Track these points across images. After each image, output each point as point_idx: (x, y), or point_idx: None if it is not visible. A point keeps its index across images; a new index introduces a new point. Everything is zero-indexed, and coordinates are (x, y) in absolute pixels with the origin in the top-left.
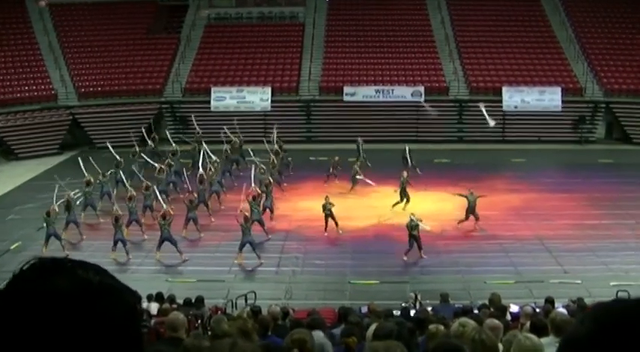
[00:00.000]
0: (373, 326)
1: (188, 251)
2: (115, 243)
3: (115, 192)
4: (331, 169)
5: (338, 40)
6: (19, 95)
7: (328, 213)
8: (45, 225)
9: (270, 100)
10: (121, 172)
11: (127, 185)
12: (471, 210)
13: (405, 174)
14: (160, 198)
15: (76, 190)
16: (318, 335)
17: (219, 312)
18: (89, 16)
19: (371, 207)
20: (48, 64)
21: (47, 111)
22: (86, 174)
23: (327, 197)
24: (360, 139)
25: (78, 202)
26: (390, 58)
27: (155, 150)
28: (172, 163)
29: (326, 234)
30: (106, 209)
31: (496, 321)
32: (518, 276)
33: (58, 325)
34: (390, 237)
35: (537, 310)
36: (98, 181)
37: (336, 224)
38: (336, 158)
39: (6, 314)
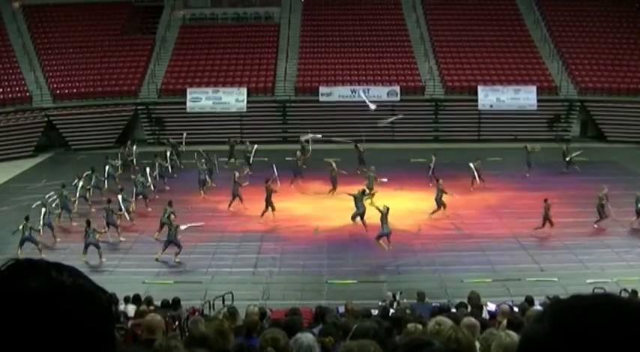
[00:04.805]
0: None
1: (166, 252)
2: (86, 247)
3: (91, 194)
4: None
5: (313, 41)
6: None
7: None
8: (21, 227)
9: (245, 101)
10: (97, 175)
11: (105, 187)
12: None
13: (605, 190)
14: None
15: (51, 193)
16: (308, 337)
17: (197, 313)
18: (63, 17)
19: (347, 207)
20: (22, 66)
21: (22, 114)
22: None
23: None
24: None
25: (54, 205)
26: (366, 57)
27: (130, 158)
28: (156, 166)
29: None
30: (81, 211)
31: (473, 319)
32: (495, 275)
33: (30, 325)
34: (367, 237)
35: (514, 308)
36: (74, 183)
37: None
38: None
39: None
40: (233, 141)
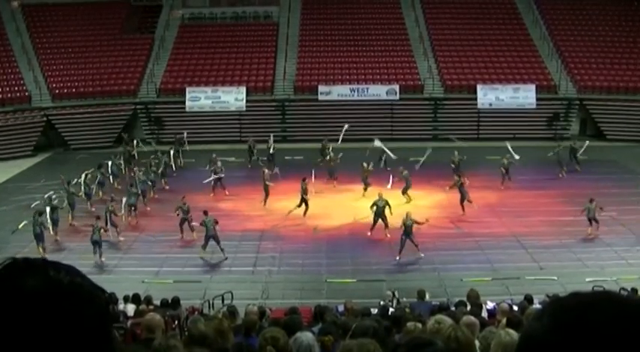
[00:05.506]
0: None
1: (165, 251)
2: (94, 245)
3: (100, 192)
4: None
5: (312, 39)
6: None
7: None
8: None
9: (245, 100)
10: (102, 171)
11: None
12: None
13: None
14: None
15: (51, 191)
16: (307, 336)
17: (196, 313)
18: (62, 16)
19: (347, 206)
20: (21, 65)
21: (21, 113)
22: (62, 177)
23: (380, 194)
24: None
25: (57, 201)
26: (365, 56)
27: (132, 152)
28: (157, 164)
29: (369, 234)
30: (82, 209)
31: (472, 318)
32: (494, 273)
33: (27, 325)
34: (366, 236)
35: (514, 307)
36: (75, 181)
37: (386, 225)
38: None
39: None
40: (252, 141)
